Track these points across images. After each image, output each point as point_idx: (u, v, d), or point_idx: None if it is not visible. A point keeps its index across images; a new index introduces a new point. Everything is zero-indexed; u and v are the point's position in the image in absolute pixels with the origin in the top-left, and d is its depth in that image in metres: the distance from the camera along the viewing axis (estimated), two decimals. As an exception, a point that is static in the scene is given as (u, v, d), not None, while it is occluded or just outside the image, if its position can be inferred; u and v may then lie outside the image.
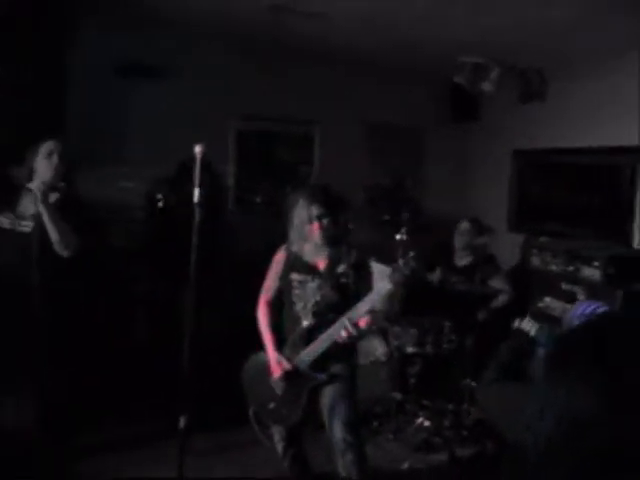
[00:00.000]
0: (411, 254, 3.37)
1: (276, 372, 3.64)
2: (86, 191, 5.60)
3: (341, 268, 3.63)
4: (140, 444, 4.62)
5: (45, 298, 3.89)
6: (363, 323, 3.54)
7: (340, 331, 3.44)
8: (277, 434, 3.83)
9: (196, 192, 3.31)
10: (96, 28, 5.79)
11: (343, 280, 3.61)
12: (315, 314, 3.60)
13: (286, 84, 6.90)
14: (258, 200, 7.10)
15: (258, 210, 7.05)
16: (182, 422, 3.40)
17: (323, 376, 3.57)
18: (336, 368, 3.61)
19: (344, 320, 3.43)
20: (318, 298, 3.62)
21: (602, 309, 2.45)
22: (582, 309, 2.63)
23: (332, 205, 3.63)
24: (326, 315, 3.56)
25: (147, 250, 5.18)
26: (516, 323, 3.41)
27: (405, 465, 4.58)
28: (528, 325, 3.40)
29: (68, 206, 3.95)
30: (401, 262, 3.35)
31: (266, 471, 4.29)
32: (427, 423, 5.07)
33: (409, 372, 5.17)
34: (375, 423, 5.10)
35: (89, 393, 4.76)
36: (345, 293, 3.60)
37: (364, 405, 5.06)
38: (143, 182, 5.92)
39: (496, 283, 5.55)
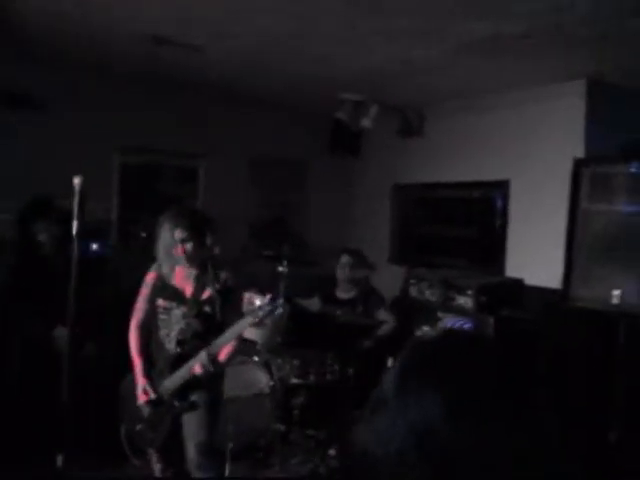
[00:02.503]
0: (280, 300, 3.48)
1: (142, 398, 3.67)
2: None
3: (205, 295, 3.66)
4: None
5: None
6: (223, 356, 3.59)
7: (196, 365, 3.50)
8: (153, 456, 3.81)
9: (74, 224, 3.26)
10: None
11: (207, 309, 3.64)
12: (179, 342, 3.63)
13: (170, 118, 6.89)
14: (143, 234, 7.00)
15: (142, 244, 6.95)
16: (59, 461, 3.31)
17: (183, 404, 3.62)
18: (197, 396, 3.66)
19: (201, 354, 3.48)
20: (182, 326, 3.65)
21: (466, 325, 2.58)
22: (445, 324, 2.75)
23: (197, 227, 3.65)
24: (190, 343, 3.61)
25: (22, 284, 5.02)
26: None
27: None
28: None
29: None
30: (266, 299, 3.40)
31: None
32: (312, 453, 5.11)
33: (293, 403, 5.19)
34: (260, 455, 5.10)
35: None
36: (208, 322, 3.63)
37: (248, 437, 5.08)
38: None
39: (380, 315, 5.70)
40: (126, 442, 3.80)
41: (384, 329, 5.68)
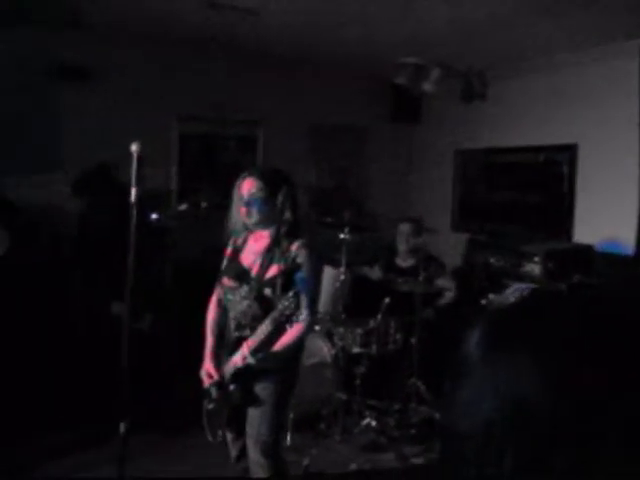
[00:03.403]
0: (291, 296, 3.03)
1: (205, 381, 3.48)
2: (21, 195, 5.51)
3: (270, 273, 3.28)
4: (79, 450, 4.54)
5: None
6: (279, 346, 3.25)
7: (237, 356, 3.24)
8: (226, 433, 3.67)
9: (133, 192, 3.21)
10: (27, 28, 5.65)
11: (267, 291, 3.27)
12: (238, 326, 3.36)
13: (229, 85, 6.84)
14: (203, 204, 6.98)
15: (202, 214, 6.92)
16: (122, 427, 3.30)
17: (237, 392, 3.35)
18: (262, 388, 3.36)
19: (243, 345, 3.21)
20: (244, 308, 3.33)
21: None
22: (516, 289, 2.62)
23: (267, 180, 3.28)
24: (249, 327, 3.30)
25: (84, 253, 5.06)
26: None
27: (353, 466, 4.54)
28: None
29: None
30: (289, 297, 3.02)
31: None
32: (374, 423, 5.06)
33: (355, 372, 5.15)
34: (322, 425, 5.06)
35: (23, 400, 4.68)
36: (268, 305, 3.26)
37: (310, 407, 5.05)
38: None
39: (442, 282, 5.59)
40: (205, 419, 3.67)
41: (446, 297, 5.58)
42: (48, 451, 4.50)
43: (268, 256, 3.31)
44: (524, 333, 0.92)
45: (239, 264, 3.47)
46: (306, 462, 4.46)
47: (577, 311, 0.95)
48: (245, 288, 3.35)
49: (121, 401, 3.26)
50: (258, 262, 3.35)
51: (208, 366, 3.49)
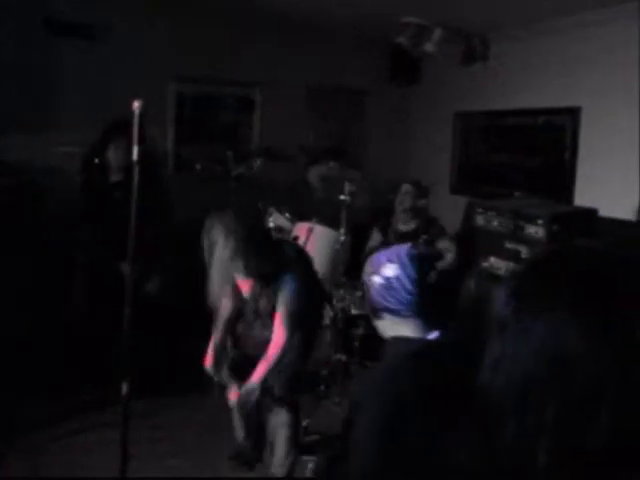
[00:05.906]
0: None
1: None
2: (19, 155, 5.45)
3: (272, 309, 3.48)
4: (81, 412, 4.54)
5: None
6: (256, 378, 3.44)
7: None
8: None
9: (135, 150, 3.15)
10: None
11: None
12: (257, 356, 3.52)
13: (226, 46, 6.73)
14: (198, 166, 6.91)
15: (197, 175, 6.86)
16: (124, 389, 3.28)
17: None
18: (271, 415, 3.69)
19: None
20: (261, 338, 3.58)
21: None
22: None
23: (265, 246, 3.44)
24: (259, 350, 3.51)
25: (84, 215, 5.02)
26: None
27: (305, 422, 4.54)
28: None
29: None
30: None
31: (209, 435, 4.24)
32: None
33: (353, 334, 5.15)
34: (321, 386, 5.08)
35: (27, 363, 4.66)
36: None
37: (310, 368, 5.05)
38: (79, 146, 5.70)
39: (442, 244, 5.54)
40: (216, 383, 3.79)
41: (447, 259, 5.53)
42: (52, 413, 4.50)
43: (264, 296, 3.50)
44: (560, 286, 0.89)
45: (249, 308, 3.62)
46: (305, 423, 4.47)
47: (612, 263, 0.92)
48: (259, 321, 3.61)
49: (123, 362, 3.23)
50: (260, 302, 3.54)
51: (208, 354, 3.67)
